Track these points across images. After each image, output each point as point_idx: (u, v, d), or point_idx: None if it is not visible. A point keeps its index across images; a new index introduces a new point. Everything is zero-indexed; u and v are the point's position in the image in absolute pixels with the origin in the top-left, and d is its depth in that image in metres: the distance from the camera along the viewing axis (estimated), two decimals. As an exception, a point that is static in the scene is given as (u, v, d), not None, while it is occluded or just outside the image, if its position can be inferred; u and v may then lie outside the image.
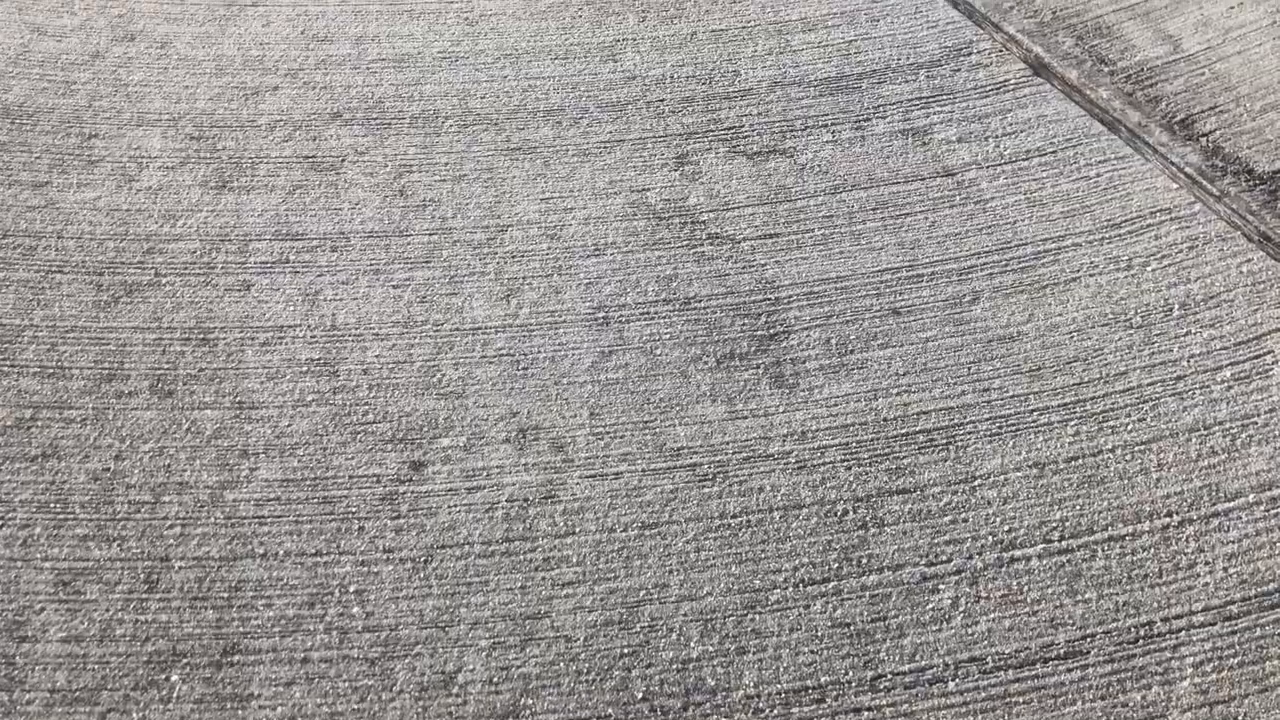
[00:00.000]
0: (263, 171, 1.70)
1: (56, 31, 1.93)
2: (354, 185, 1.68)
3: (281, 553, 1.24)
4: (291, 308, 1.50)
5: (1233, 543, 1.25)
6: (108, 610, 1.19)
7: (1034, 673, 1.15)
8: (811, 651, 1.17)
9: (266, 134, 1.76)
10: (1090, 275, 1.56)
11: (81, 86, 1.83)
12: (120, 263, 1.55)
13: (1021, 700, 1.13)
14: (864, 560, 1.24)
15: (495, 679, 1.14)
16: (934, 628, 1.18)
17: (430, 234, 1.61)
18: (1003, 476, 1.32)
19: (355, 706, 1.12)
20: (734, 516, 1.28)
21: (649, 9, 2.02)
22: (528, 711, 1.12)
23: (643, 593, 1.21)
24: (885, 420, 1.38)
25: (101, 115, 1.78)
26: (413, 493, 1.29)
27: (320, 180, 1.69)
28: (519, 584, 1.21)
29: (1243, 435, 1.36)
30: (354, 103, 1.82)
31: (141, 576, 1.21)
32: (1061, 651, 1.17)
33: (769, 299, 1.53)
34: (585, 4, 2.03)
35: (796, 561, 1.24)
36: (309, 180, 1.69)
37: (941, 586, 1.22)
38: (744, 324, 1.50)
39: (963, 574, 1.23)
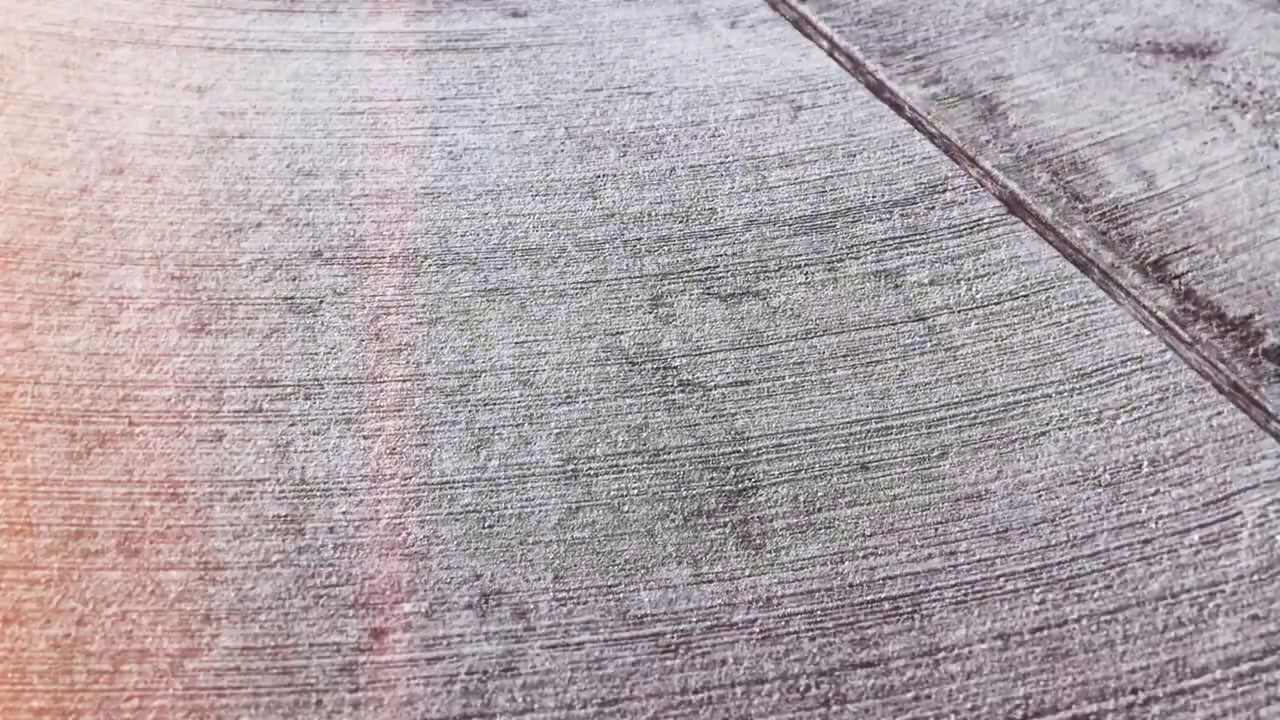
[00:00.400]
0: (241, 313, 1.72)
1: (48, 164, 1.97)
2: (331, 328, 1.70)
3: (238, 728, 1.23)
4: (262, 460, 1.51)
5: (1199, 723, 1.24)
6: (60, 790, 1.18)
7: None
8: (768, 841, 1.15)
9: (247, 273, 1.78)
10: (1059, 429, 1.56)
11: (68, 222, 1.86)
12: (95, 411, 1.57)
13: None
14: (824, 740, 1.23)
15: None
16: (893, 816, 1.17)
17: (404, 380, 1.62)
18: (967, 649, 1.31)
19: None
20: (695, 692, 1.27)
21: (630, 144, 2.05)
22: None
23: (599, 775, 1.20)
24: (851, 586, 1.38)
25: (86, 253, 1.81)
26: (372, 663, 1.29)
27: (298, 323, 1.70)
28: (475, 765, 1.20)
29: (1210, 604, 1.35)
30: (335, 240, 1.85)
31: (96, 753, 1.21)
32: (1023, 843, 1.15)
33: (738, 451, 1.54)
34: (567, 138, 2.06)
35: (756, 742, 1.23)
36: (287, 323, 1.70)
37: (902, 770, 1.20)
38: (712, 478, 1.50)
39: (924, 756, 1.21)
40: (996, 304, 1.75)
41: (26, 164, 1.97)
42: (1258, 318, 1.73)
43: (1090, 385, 1.62)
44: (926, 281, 1.78)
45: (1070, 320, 1.72)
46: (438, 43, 2.30)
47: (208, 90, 2.15)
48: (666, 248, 1.85)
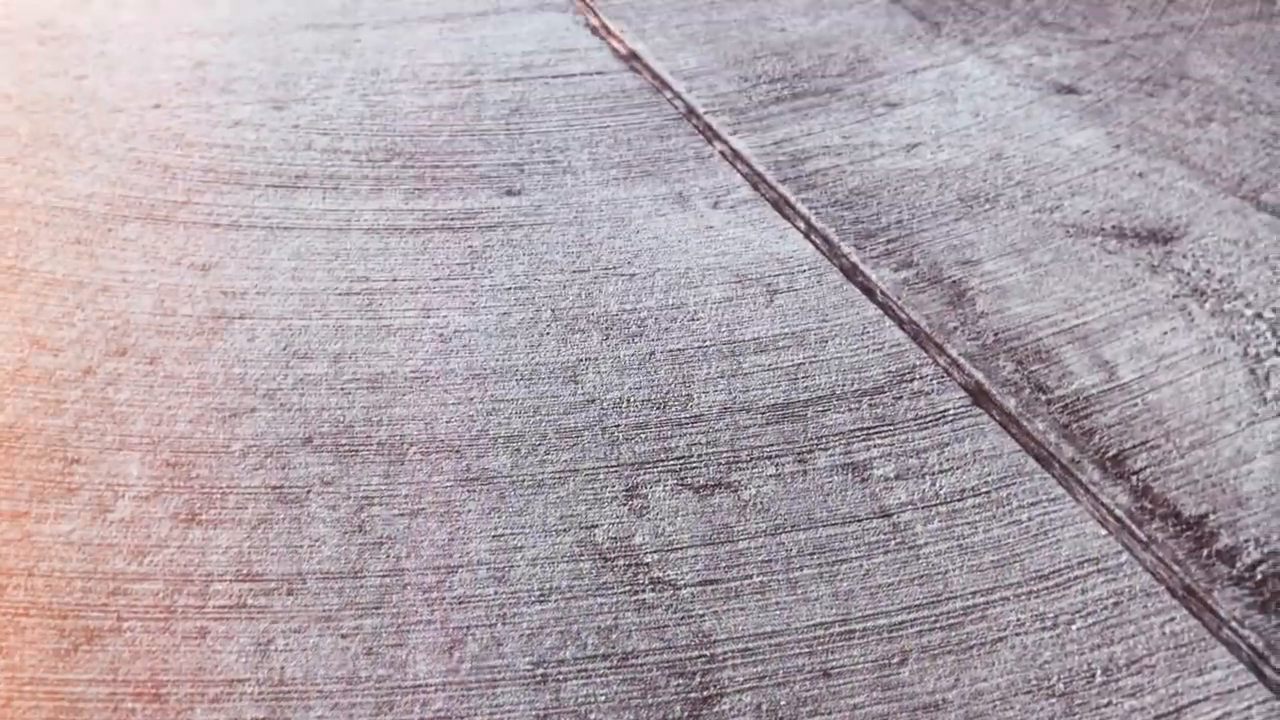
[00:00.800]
0: (231, 503, 1.79)
1: (54, 345, 2.07)
2: (316, 519, 1.77)
3: None
4: (244, 659, 1.56)
5: None
6: None
7: None
8: None
9: (239, 461, 1.86)
10: (1016, 634, 1.61)
11: (71, 405, 1.95)
12: (85, 605, 1.62)
13: None
14: None
15: None
16: None
17: (383, 575, 1.68)
18: None
19: None
20: None
21: (613, 326, 2.15)
22: None
23: None
24: (808, 802, 1.41)
25: (86, 437, 1.89)
26: None
27: (285, 514, 1.77)
28: None
29: (1160, 827, 1.38)
30: (325, 427, 1.93)
31: None
32: None
33: (704, 655, 1.58)
34: (553, 321, 2.16)
35: None
36: (274, 514, 1.77)
37: None
38: (678, 685, 1.55)
39: None
40: (959, 500, 1.81)
41: (34, 344, 2.07)
42: (1212, 517, 1.79)
43: (1048, 588, 1.67)
44: (892, 475, 1.85)
45: (1030, 519, 1.78)
46: (434, 221, 2.42)
47: (211, 268, 2.26)
48: (643, 435, 1.93)
